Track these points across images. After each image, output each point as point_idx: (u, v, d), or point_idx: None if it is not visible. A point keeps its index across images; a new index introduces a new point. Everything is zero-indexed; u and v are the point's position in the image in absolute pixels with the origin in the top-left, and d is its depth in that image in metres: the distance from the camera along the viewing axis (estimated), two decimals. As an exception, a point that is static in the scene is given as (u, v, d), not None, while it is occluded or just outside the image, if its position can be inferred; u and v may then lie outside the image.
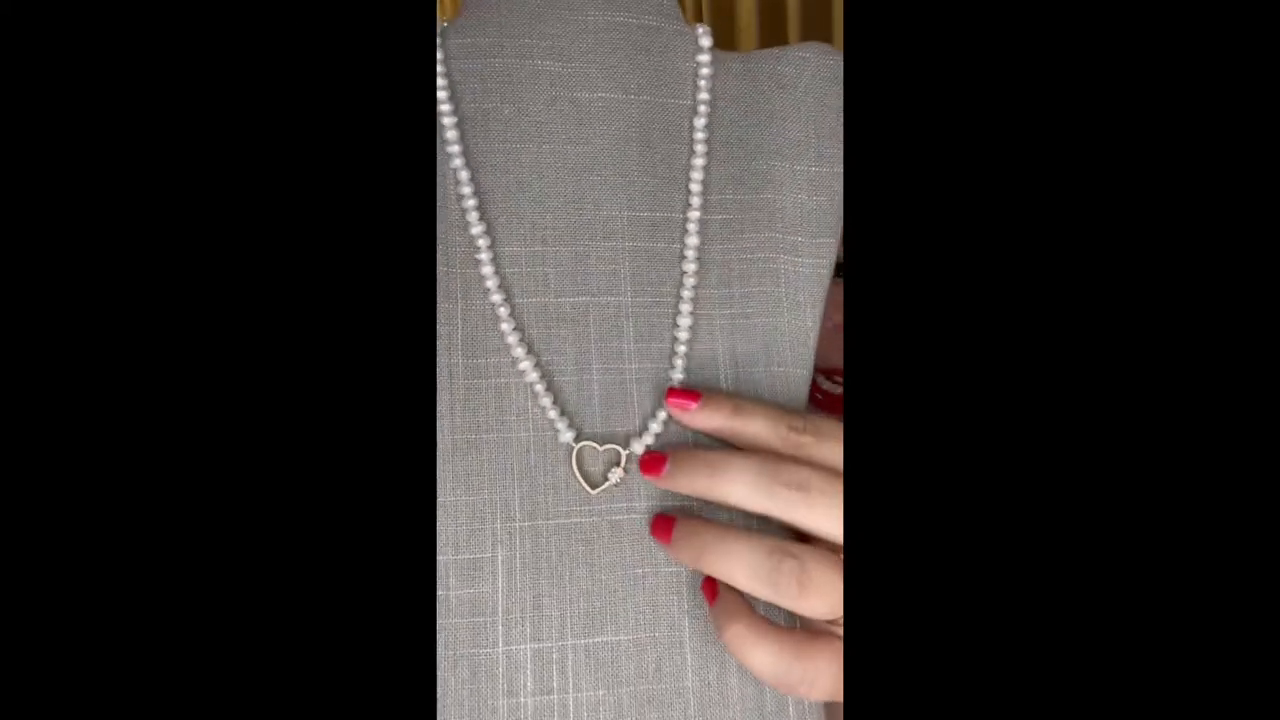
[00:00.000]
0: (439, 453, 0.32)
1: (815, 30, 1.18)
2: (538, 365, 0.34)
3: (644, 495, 0.34)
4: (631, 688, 0.32)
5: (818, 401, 0.62)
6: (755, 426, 0.32)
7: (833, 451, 0.31)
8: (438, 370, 0.33)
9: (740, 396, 0.33)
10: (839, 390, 0.62)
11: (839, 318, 0.60)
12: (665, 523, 0.32)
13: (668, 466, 0.32)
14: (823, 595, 0.28)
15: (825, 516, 0.29)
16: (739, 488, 0.30)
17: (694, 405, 0.33)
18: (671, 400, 0.33)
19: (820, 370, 0.61)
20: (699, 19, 1.24)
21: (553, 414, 0.33)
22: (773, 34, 1.22)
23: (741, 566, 0.29)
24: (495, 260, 0.34)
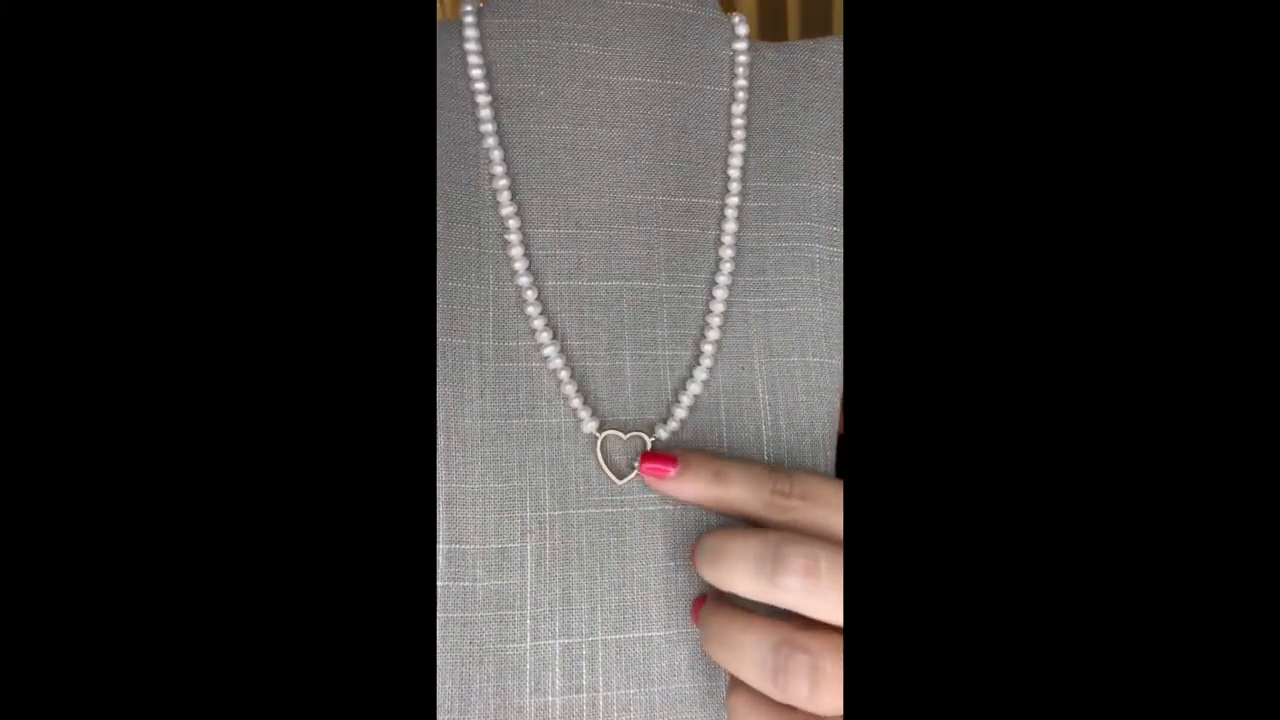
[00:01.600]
0: (469, 438, 0.32)
1: (815, 31, 1.18)
2: (563, 350, 0.33)
3: None
4: (664, 686, 0.31)
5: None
6: (737, 492, 0.30)
7: (826, 515, 0.29)
8: (468, 353, 0.32)
9: (721, 459, 0.31)
10: None
11: None
12: (699, 600, 0.31)
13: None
14: (837, 692, 0.26)
15: (838, 604, 0.26)
16: (740, 578, 0.27)
17: (671, 471, 0.31)
18: (645, 466, 0.31)
19: None
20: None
21: (575, 402, 0.32)
22: (773, 33, 1.22)
23: (748, 663, 0.27)
24: (525, 242, 0.34)
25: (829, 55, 0.38)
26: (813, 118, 0.37)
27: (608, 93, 0.35)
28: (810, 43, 0.38)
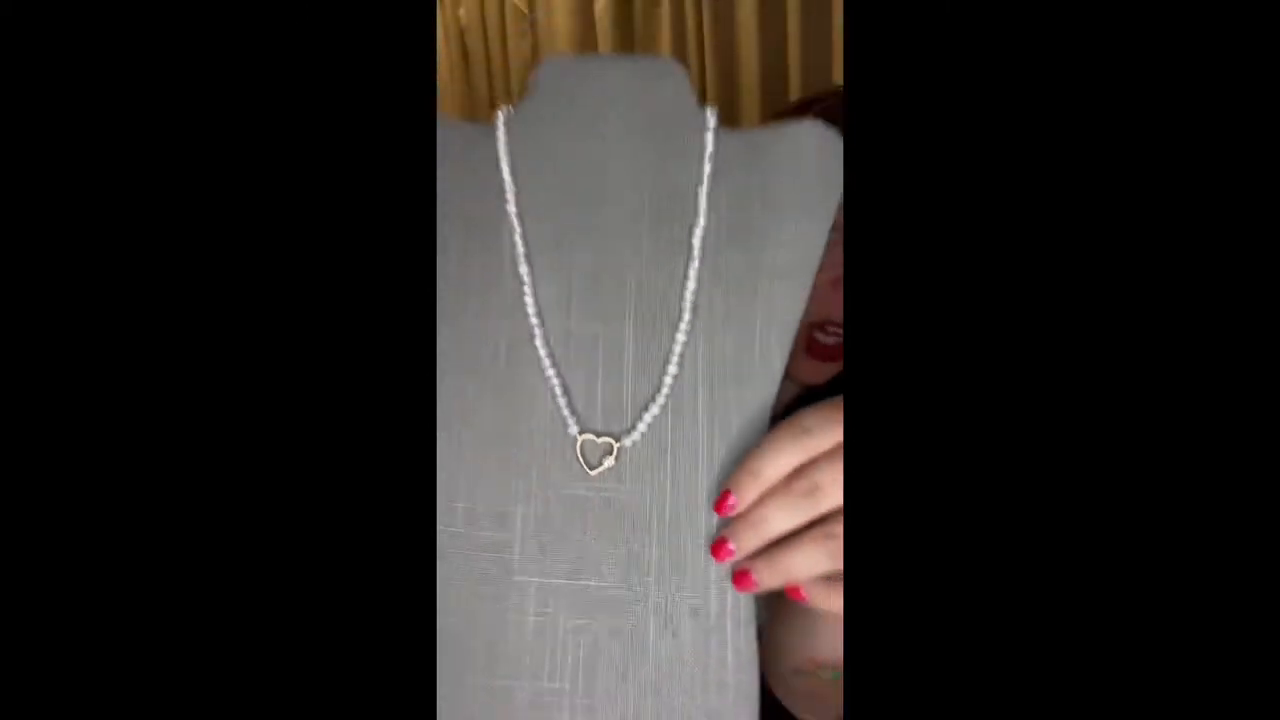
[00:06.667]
0: (486, 437, 0.43)
1: (814, 32, 1.22)
2: (555, 366, 0.44)
3: (630, 478, 0.44)
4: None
5: (815, 352, 0.65)
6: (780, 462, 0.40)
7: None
8: (482, 364, 0.43)
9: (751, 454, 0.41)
10: (832, 340, 0.65)
11: (837, 272, 0.61)
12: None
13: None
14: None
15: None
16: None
17: (730, 504, 0.41)
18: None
19: (814, 323, 0.65)
20: (699, 22, 1.30)
21: (565, 413, 0.44)
22: (772, 35, 1.26)
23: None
24: (535, 294, 0.44)
25: (791, 141, 0.45)
26: (773, 196, 0.45)
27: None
28: (774, 130, 0.47)
